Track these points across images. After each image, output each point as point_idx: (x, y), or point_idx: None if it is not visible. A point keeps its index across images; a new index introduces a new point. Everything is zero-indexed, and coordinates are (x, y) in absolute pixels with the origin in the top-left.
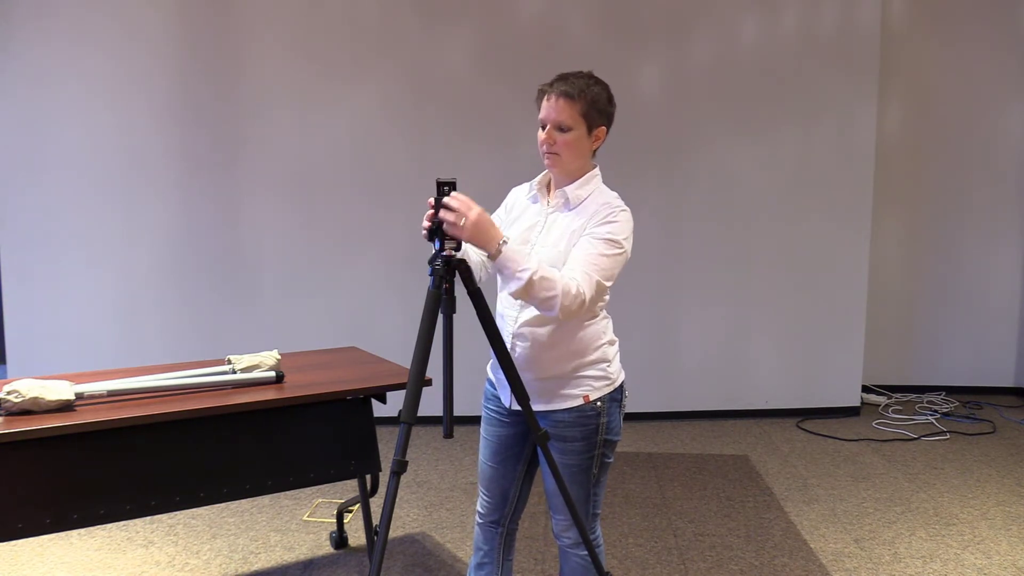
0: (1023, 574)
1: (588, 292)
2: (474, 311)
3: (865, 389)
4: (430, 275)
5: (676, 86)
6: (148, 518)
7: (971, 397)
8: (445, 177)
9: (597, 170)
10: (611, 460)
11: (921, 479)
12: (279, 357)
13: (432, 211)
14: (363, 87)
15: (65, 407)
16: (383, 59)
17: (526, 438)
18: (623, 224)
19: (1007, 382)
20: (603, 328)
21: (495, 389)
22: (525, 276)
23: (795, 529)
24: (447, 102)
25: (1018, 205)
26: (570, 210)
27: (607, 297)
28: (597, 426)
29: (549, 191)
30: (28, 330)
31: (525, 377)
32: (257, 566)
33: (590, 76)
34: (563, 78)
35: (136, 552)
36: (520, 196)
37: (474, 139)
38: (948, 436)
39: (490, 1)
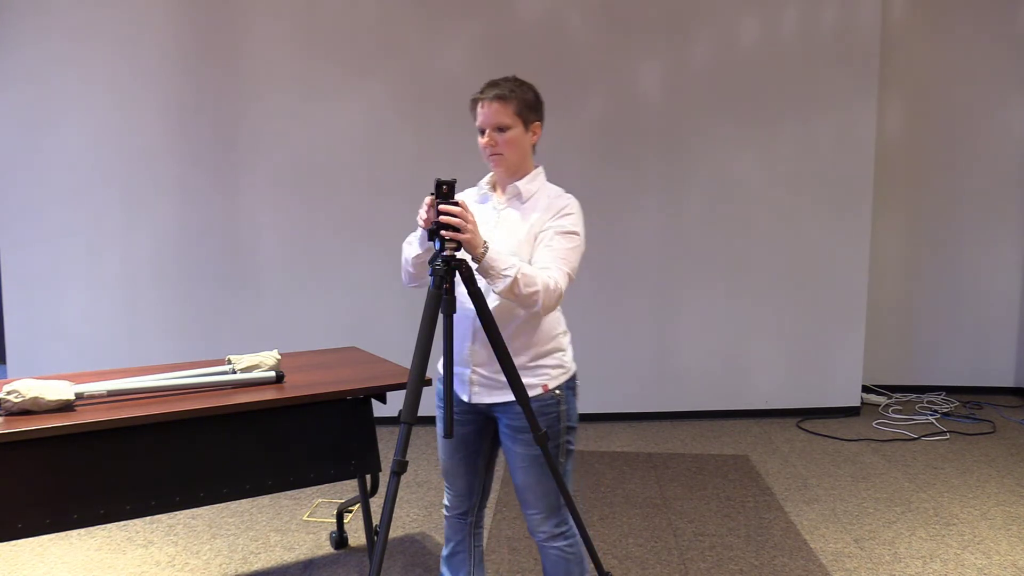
0: (1023, 574)
1: (563, 285)
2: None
3: (865, 389)
4: (430, 275)
5: (676, 86)
6: (148, 518)
7: (971, 397)
8: (445, 177)
9: (541, 168)
10: (573, 447)
11: (921, 479)
12: (279, 357)
13: (428, 206)
14: (364, 87)
15: (65, 407)
16: (384, 59)
17: (483, 433)
18: (577, 215)
19: (1007, 382)
20: (557, 319)
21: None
22: (511, 274)
23: (795, 529)
24: (447, 101)
25: (1018, 205)
26: (523, 203)
27: None
28: (558, 414)
29: (496, 190)
30: (28, 330)
31: (487, 371)
32: (257, 566)
33: (516, 79)
34: (493, 84)
35: (136, 552)
36: (469, 198)
37: (474, 139)
38: (948, 436)
39: (491, 1)
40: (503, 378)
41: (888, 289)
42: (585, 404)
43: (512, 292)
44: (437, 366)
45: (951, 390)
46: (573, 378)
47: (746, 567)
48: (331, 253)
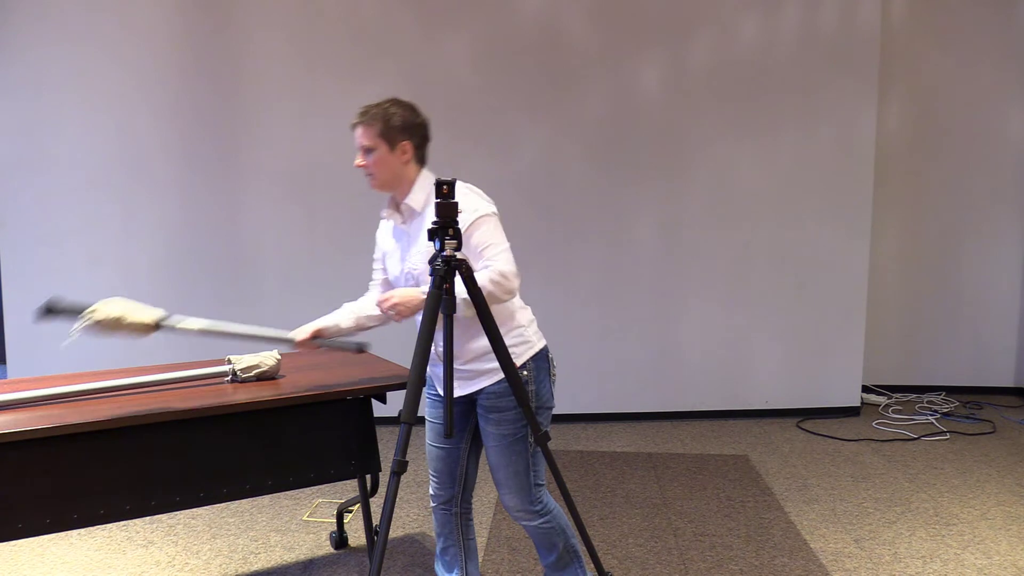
0: (1023, 574)
1: (509, 266)
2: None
3: (865, 389)
4: (430, 275)
5: (676, 86)
6: (148, 518)
7: (971, 397)
8: (444, 177)
9: (424, 171)
10: (547, 428)
11: (921, 479)
12: (279, 357)
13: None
14: (363, 87)
15: (146, 330)
16: (383, 59)
17: (467, 417)
18: (468, 198)
19: (1007, 382)
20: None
21: (434, 378)
22: (462, 295)
23: (795, 529)
24: (447, 102)
25: (1018, 205)
26: (421, 214)
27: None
28: (527, 394)
29: (399, 209)
30: (28, 330)
31: (458, 364)
32: (257, 566)
33: (390, 101)
34: (364, 109)
35: (136, 552)
36: (382, 230)
37: (474, 139)
38: (948, 436)
39: (490, 2)
40: (478, 366)
41: (888, 289)
42: (586, 404)
43: (492, 297)
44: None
45: (951, 390)
46: (543, 357)
47: (746, 567)
48: (331, 253)
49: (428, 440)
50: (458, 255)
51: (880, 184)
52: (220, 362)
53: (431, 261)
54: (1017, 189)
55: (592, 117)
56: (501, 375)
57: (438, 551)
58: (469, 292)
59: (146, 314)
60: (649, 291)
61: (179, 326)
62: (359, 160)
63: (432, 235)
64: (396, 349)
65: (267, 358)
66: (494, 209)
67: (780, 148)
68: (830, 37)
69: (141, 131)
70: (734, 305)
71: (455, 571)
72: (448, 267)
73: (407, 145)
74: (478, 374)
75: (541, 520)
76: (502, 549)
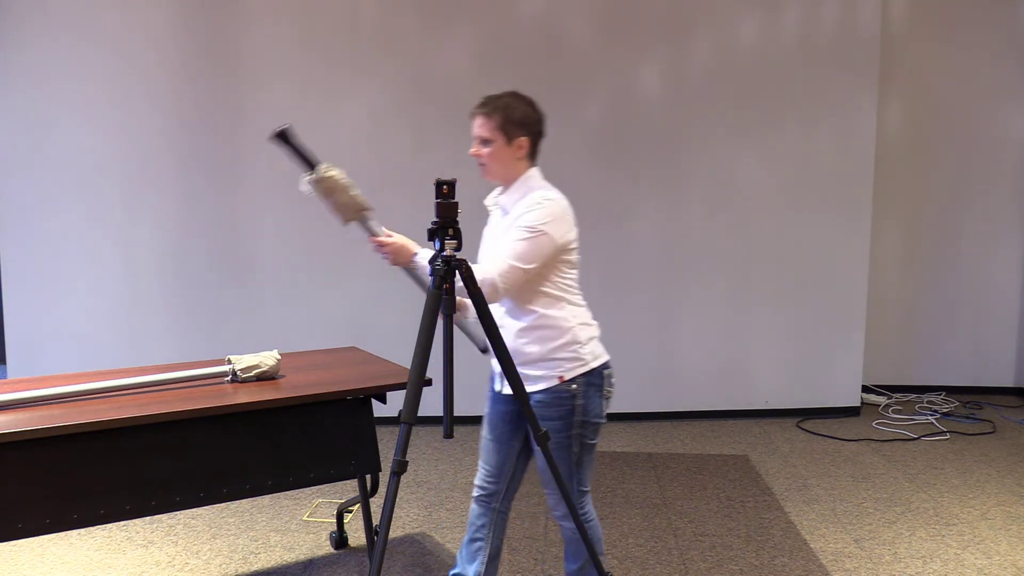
0: (1023, 574)
1: (496, 276)
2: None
3: (865, 389)
4: (430, 275)
5: (676, 86)
6: (148, 518)
7: (971, 397)
8: (445, 177)
9: (532, 171)
10: (594, 442)
11: (921, 479)
12: (279, 357)
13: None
14: (364, 87)
15: (357, 212)
16: (384, 59)
17: (521, 418)
18: (542, 211)
19: (1007, 382)
20: (571, 312)
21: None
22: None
23: (795, 529)
24: (447, 102)
25: (1018, 205)
26: (507, 214)
27: (568, 279)
28: (573, 407)
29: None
30: (28, 330)
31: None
32: (257, 566)
33: (510, 94)
34: (484, 99)
35: (136, 552)
36: (493, 216)
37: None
38: (948, 436)
39: (490, 1)
40: (529, 371)
41: (888, 289)
42: None
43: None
44: (492, 362)
45: (951, 390)
46: (597, 375)
47: (746, 567)
48: (331, 253)
49: (483, 433)
50: (458, 255)
51: (880, 184)
52: (220, 362)
53: (431, 261)
54: (1017, 189)
55: (592, 117)
56: (548, 384)
57: (465, 540)
58: (469, 292)
59: (363, 198)
60: (649, 291)
61: (370, 224)
62: (474, 149)
63: (432, 235)
64: (396, 349)
65: (267, 358)
66: (562, 232)
67: (780, 148)
68: (830, 37)
69: (142, 130)
70: (734, 305)
71: (475, 563)
72: (448, 267)
73: (524, 140)
74: (527, 378)
75: (574, 525)
76: (502, 549)
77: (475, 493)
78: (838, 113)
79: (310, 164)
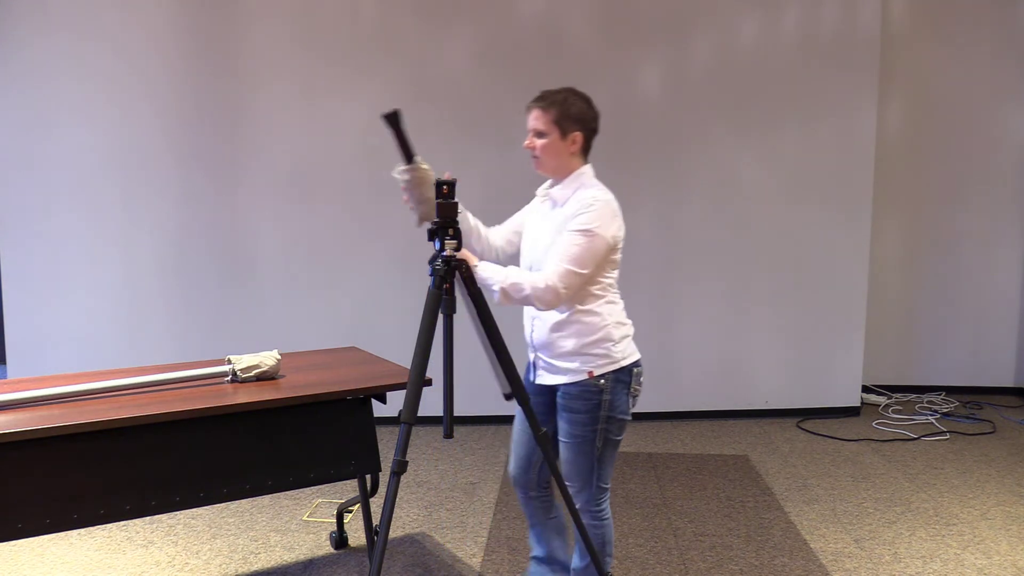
0: (1023, 574)
1: (557, 282)
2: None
3: (865, 389)
4: (430, 275)
5: (676, 86)
6: (148, 518)
7: (971, 397)
8: (445, 177)
9: (585, 168)
10: (619, 438)
11: (921, 479)
12: (279, 357)
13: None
14: (364, 86)
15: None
16: (384, 58)
17: (550, 410)
18: (595, 213)
19: (1007, 382)
20: (608, 311)
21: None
22: (497, 288)
23: (795, 529)
24: (447, 101)
25: (1018, 205)
26: (557, 207)
27: (610, 277)
28: (600, 402)
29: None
30: (28, 330)
31: (546, 355)
32: (257, 566)
33: (568, 90)
34: (542, 94)
35: (136, 552)
36: (535, 200)
37: (474, 138)
38: (948, 436)
39: (490, 1)
40: (560, 363)
41: (888, 289)
42: None
43: (508, 300)
44: (528, 353)
45: (951, 390)
46: (627, 372)
47: (746, 567)
48: (331, 253)
49: (515, 423)
50: (458, 255)
51: (880, 184)
52: (220, 362)
53: (431, 261)
54: (1017, 189)
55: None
56: (579, 377)
57: (528, 525)
58: (469, 292)
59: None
60: (649, 291)
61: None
62: (528, 141)
63: (432, 235)
64: (396, 349)
65: (267, 358)
66: (613, 232)
67: (780, 148)
68: (830, 37)
69: (142, 130)
70: (734, 305)
71: (543, 544)
72: (448, 267)
73: (578, 136)
74: (558, 370)
75: (593, 521)
76: (502, 549)
77: (512, 483)
78: (838, 113)
79: (409, 152)
